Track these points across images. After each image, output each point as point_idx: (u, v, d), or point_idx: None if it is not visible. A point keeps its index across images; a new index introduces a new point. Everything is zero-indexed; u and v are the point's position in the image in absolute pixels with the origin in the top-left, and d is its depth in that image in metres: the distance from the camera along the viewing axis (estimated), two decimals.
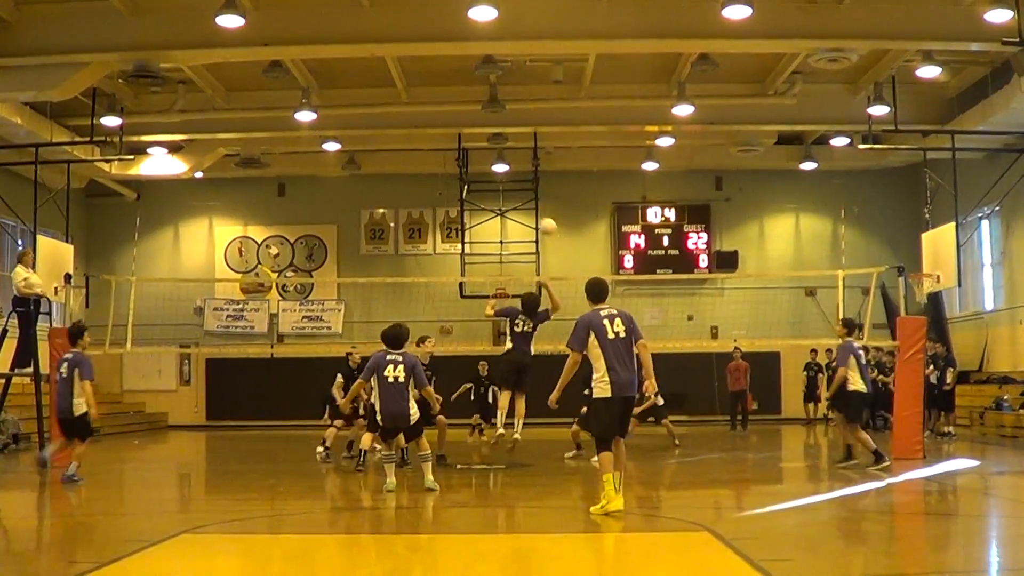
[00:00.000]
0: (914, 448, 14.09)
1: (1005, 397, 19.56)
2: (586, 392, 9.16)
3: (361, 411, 13.63)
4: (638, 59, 19.11)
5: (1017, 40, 14.43)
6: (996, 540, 8.31)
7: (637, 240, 26.23)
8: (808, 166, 24.81)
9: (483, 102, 19.37)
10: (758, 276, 25.56)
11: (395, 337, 10.74)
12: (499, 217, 25.61)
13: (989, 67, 19.22)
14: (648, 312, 24.34)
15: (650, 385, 8.94)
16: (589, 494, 9.66)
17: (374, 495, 11.02)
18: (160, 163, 23.95)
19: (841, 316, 14.68)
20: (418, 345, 13.55)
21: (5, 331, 15.14)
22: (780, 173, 25.90)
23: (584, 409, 12.06)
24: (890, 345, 16.29)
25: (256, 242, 26.96)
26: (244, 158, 23.68)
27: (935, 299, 20.66)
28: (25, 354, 14.90)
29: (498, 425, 12.53)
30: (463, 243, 24.93)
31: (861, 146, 20.63)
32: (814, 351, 23.37)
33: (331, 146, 23.18)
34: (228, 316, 26.30)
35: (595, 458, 9.32)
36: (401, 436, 11.55)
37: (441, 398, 13.88)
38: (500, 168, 24.32)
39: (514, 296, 13.88)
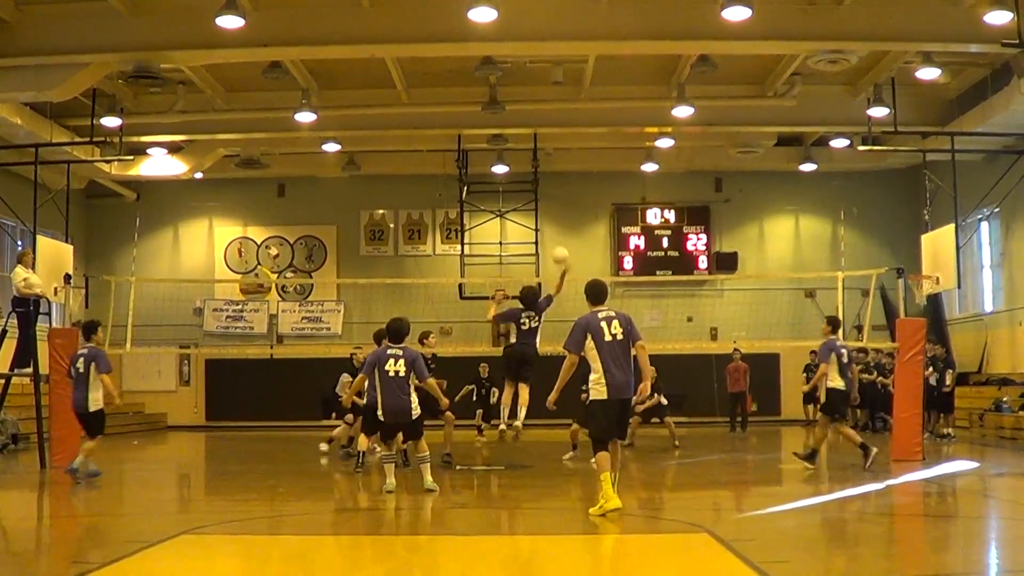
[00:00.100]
0: (913, 450, 14.08)
1: (1004, 399, 19.56)
2: (584, 394, 9.15)
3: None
4: (638, 60, 19.11)
5: (1017, 42, 14.42)
6: (995, 542, 8.30)
7: (637, 241, 26.23)
8: (808, 168, 24.79)
9: (483, 103, 19.38)
10: (758, 277, 25.56)
11: (396, 331, 10.62)
12: (499, 218, 25.62)
13: (989, 69, 19.22)
14: (648, 313, 24.31)
15: (643, 388, 8.93)
16: (588, 495, 9.65)
17: (374, 496, 11.02)
18: (160, 164, 23.93)
19: (841, 318, 14.68)
20: (421, 343, 13.50)
21: (5, 331, 15.13)
22: (780, 174, 25.86)
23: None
24: (889, 347, 16.30)
25: (256, 243, 26.96)
26: (244, 159, 23.67)
27: (935, 301, 20.66)
28: (25, 354, 14.89)
29: (501, 422, 12.48)
30: (463, 244, 24.92)
31: (861, 148, 20.60)
32: (814, 352, 23.21)
33: (331, 147, 23.18)
34: (228, 317, 26.30)
35: (593, 459, 9.33)
36: (400, 437, 11.54)
37: (448, 401, 13.86)
38: (500, 169, 24.31)
39: (513, 297, 13.83)
